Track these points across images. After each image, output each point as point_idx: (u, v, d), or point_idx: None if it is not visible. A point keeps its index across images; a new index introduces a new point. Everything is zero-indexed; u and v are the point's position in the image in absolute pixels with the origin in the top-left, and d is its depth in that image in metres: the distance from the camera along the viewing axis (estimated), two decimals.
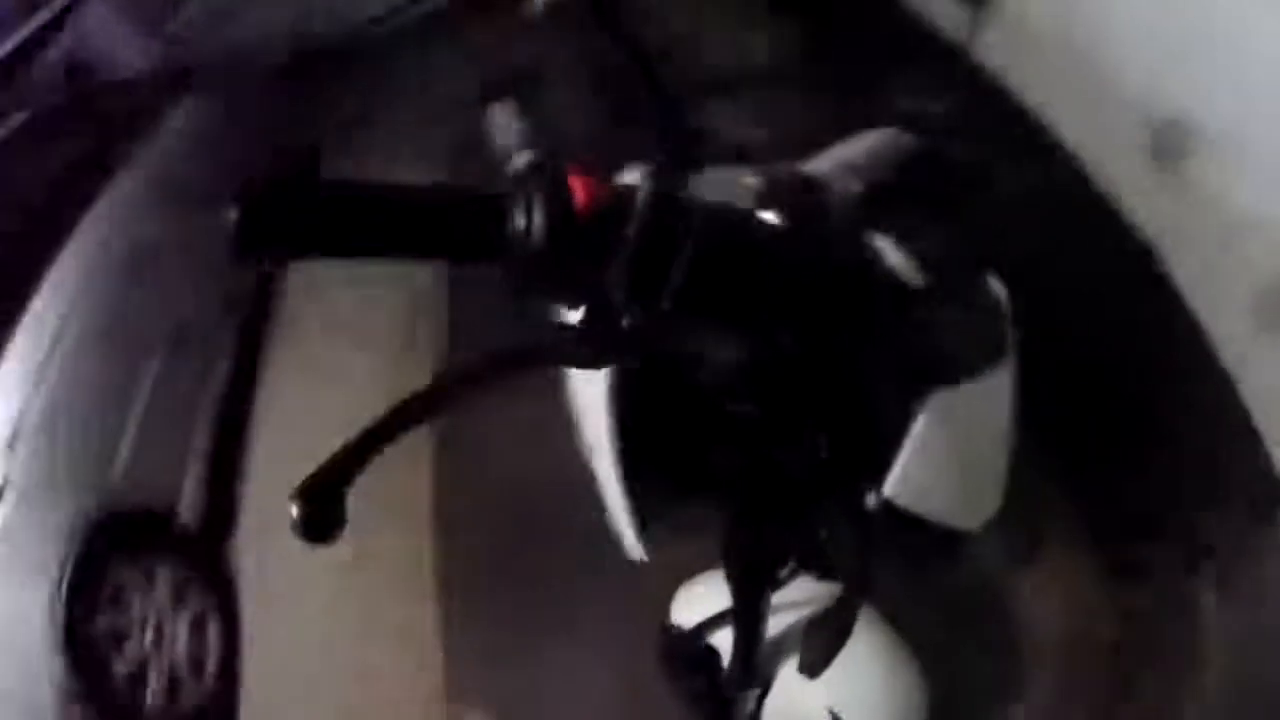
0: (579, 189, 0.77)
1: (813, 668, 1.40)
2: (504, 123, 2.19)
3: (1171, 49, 2.35)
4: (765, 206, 1.01)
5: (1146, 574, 2.25)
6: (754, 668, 1.54)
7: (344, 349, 3.83)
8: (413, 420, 0.80)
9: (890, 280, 1.08)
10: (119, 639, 2.78)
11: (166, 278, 3.65)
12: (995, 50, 3.12)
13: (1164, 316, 2.40)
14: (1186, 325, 2.33)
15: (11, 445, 2.78)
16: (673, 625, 1.76)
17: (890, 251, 1.11)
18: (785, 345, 0.99)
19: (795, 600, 1.51)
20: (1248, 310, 2.16)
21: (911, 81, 3.21)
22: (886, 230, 1.17)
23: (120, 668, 2.74)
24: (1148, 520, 2.31)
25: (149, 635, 2.87)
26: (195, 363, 3.65)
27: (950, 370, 1.13)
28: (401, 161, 4.24)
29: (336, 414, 3.57)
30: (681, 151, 0.86)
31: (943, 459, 1.17)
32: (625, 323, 0.83)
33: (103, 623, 2.75)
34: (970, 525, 1.28)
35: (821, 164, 1.11)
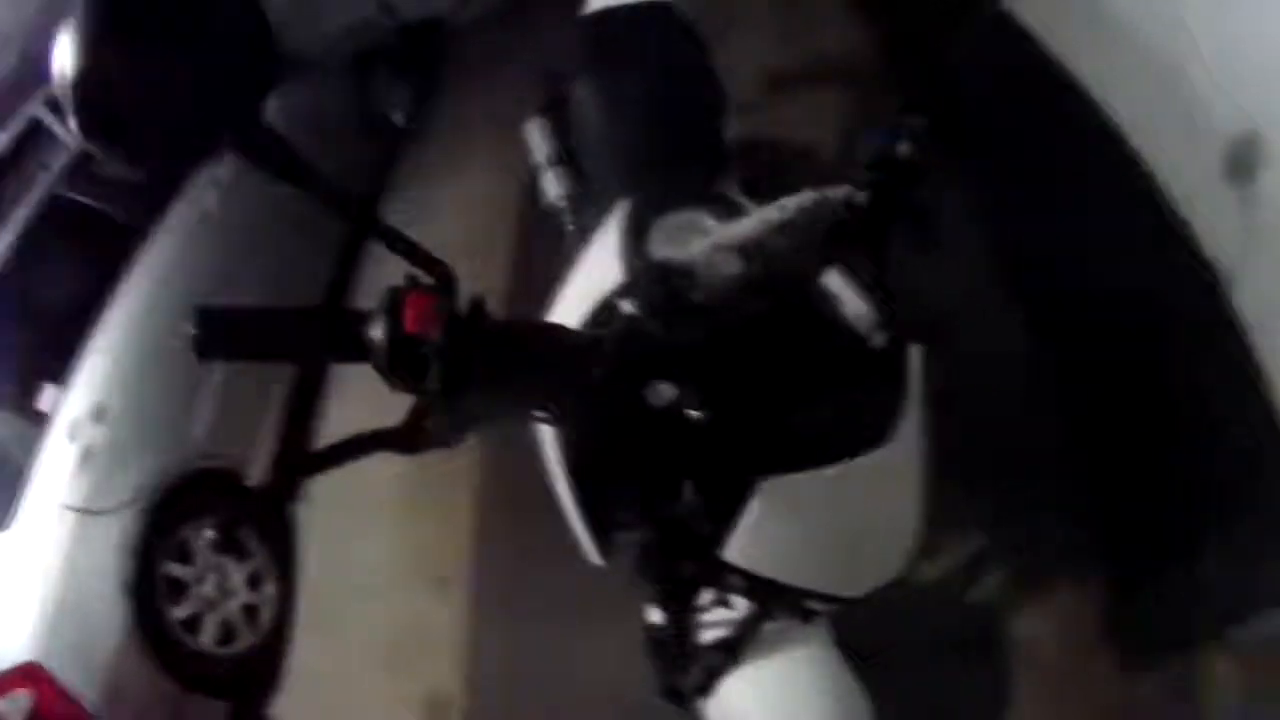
0: (411, 310, 0.99)
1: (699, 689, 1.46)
2: (537, 140, 2.31)
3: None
4: (625, 295, 1.21)
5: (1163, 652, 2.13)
6: (688, 672, 1.60)
7: None
8: None
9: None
10: (181, 588, 3.05)
11: (256, 253, 3.89)
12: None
13: (1225, 359, 2.25)
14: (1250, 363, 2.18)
15: (99, 417, 3.02)
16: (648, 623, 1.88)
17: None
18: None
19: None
20: None
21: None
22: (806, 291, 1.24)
23: (178, 613, 3.00)
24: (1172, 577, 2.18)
25: (208, 586, 3.13)
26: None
27: (793, 460, 1.20)
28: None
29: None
30: None
31: (788, 534, 1.23)
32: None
33: (165, 572, 3.01)
34: (845, 592, 1.35)
35: (740, 229, 1.14)
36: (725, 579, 1.30)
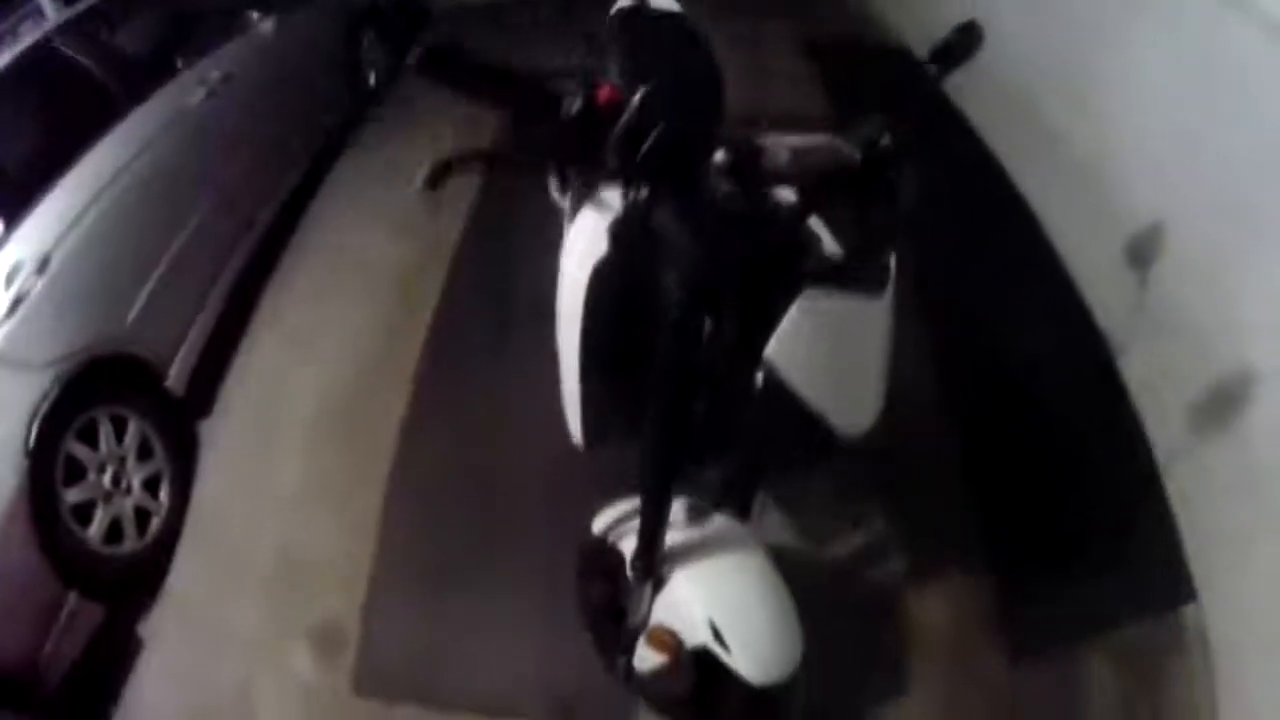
0: (602, 93, 1.34)
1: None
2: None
3: None
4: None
5: (1044, 633, 2.35)
6: (654, 560, 1.78)
7: (347, 272, 4.03)
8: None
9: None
10: (80, 470, 2.81)
11: (225, 150, 3.84)
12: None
13: (1111, 413, 2.61)
14: (1129, 424, 2.52)
15: (41, 269, 2.81)
16: (590, 534, 2.02)
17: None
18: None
19: (690, 527, 1.81)
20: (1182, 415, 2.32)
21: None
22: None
23: (71, 496, 2.76)
24: (1058, 583, 2.40)
25: (107, 477, 2.90)
26: (225, 232, 3.80)
27: (825, 277, 1.43)
28: None
29: (329, 332, 3.71)
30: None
31: (813, 347, 1.45)
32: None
33: (68, 448, 2.78)
34: (843, 425, 1.55)
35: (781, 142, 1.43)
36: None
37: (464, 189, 4.27)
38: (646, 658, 1.94)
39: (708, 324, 1.41)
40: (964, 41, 1.40)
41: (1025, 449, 2.78)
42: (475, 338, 3.57)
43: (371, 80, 5.36)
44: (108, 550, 2.86)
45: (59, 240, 2.92)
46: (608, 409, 1.74)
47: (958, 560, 2.57)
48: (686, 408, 1.53)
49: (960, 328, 3.22)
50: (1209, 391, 2.23)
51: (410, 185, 1.32)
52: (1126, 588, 2.33)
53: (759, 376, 1.45)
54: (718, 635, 1.71)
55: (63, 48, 3.30)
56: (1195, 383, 2.30)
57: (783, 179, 1.42)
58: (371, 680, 2.57)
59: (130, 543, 2.94)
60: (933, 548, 2.60)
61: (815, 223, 1.51)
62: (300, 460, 3.24)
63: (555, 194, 2.55)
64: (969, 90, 3.78)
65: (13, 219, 2.85)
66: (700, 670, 1.86)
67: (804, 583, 1.80)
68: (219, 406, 3.50)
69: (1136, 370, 2.64)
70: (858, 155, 1.37)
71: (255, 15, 4.23)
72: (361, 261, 4.07)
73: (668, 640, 1.81)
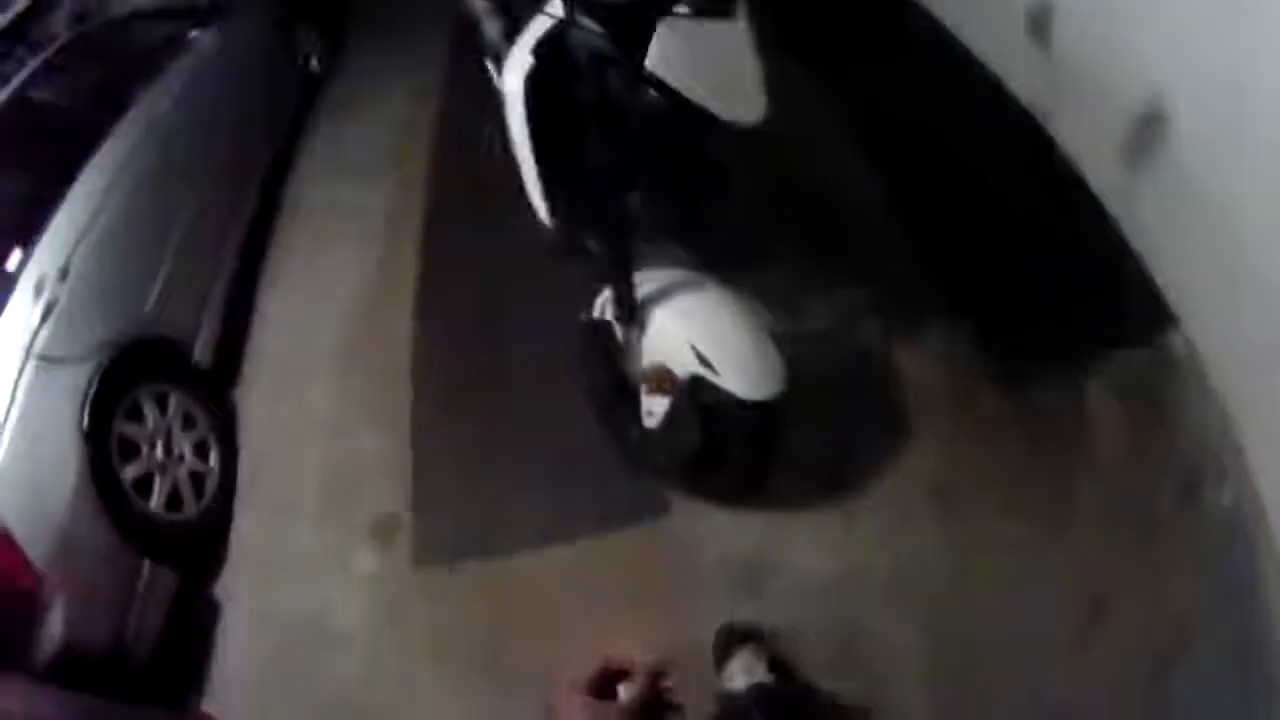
0: None
1: None
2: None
3: None
4: None
5: (1038, 374, 2.43)
6: (630, 298, 2.10)
7: (337, 222, 4.32)
8: None
9: None
10: (133, 448, 3.06)
11: (202, 144, 4.08)
12: None
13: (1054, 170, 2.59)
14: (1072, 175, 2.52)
15: (64, 274, 3.03)
16: (582, 321, 2.37)
17: None
18: None
19: (658, 275, 2.12)
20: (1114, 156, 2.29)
21: None
22: None
23: (130, 472, 3.00)
24: (1042, 325, 2.48)
25: (159, 450, 3.16)
26: (220, 215, 4.06)
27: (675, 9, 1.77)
28: None
29: (333, 274, 3.98)
30: None
31: (680, 55, 1.78)
32: None
33: (119, 428, 3.03)
34: (728, 115, 1.84)
35: None
36: (646, 95, 1.82)
37: (424, 128, 4.71)
38: (653, 410, 2.21)
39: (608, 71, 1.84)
40: None
41: (975, 216, 2.89)
42: (460, 253, 3.87)
43: (314, 64, 5.61)
44: (171, 517, 3.11)
45: (73, 251, 3.13)
46: (559, 182, 2.14)
47: (931, 314, 2.73)
48: (614, 136, 1.91)
49: (896, 126, 3.40)
50: (1129, 125, 2.23)
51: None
52: (1108, 321, 2.38)
53: (649, 90, 1.80)
54: (703, 360, 1.99)
55: (34, 95, 3.62)
56: (1116, 122, 2.28)
57: None
58: (429, 551, 2.83)
59: (190, 507, 3.19)
60: (899, 309, 2.77)
61: None
62: (331, 387, 3.52)
63: (494, 38, 2.91)
64: None
65: (28, 243, 3.06)
66: (701, 412, 2.11)
67: (786, 353, 2.04)
68: (247, 367, 3.77)
69: (1063, 128, 2.61)
70: None
71: (194, 33, 4.43)
72: (348, 211, 4.38)
73: (663, 377, 2.10)
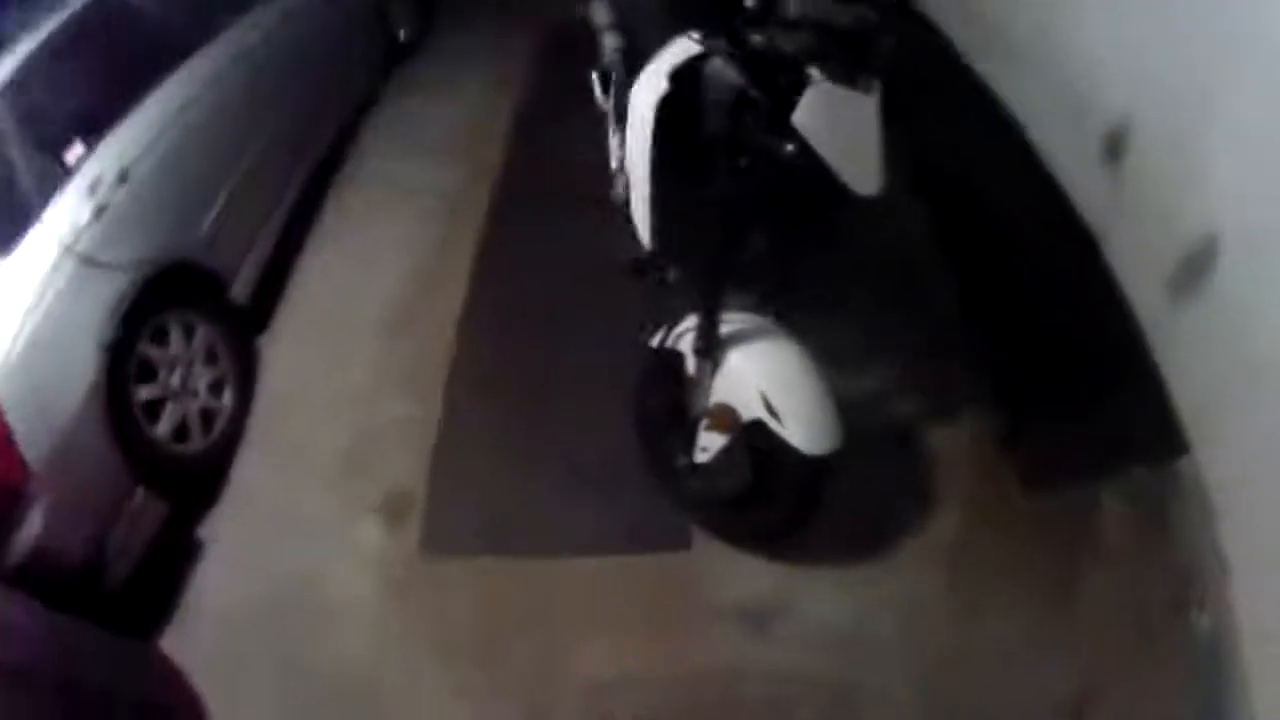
0: None
1: None
2: (600, 13, 2.95)
3: None
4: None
5: (1058, 481, 2.56)
6: (714, 337, 2.16)
7: (398, 196, 4.28)
8: None
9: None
10: (151, 370, 2.95)
11: (281, 86, 4.05)
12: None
13: (1097, 290, 2.71)
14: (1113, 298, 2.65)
15: (122, 179, 2.94)
16: (649, 348, 2.42)
17: None
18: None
19: (739, 320, 2.17)
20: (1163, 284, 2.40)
21: None
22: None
23: (143, 394, 2.89)
24: (1068, 435, 2.63)
25: (176, 378, 3.05)
26: (286, 158, 4.01)
27: (829, 74, 1.82)
28: None
29: (385, 247, 3.92)
30: None
31: (823, 119, 1.83)
32: None
33: (142, 349, 2.92)
34: (853, 185, 1.90)
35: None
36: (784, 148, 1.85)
37: (500, 120, 4.66)
38: (708, 446, 2.29)
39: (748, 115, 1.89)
40: None
41: (1022, 317, 3.01)
42: (522, 247, 3.82)
43: (401, 36, 5.61)
44: (175, 448, 2.99)
45: (137, 157, 3.05)
46: (672, 212, 2.19)
47: (969, 400, 2.82)
48: (738, 174, 1.94)
49: (958, 215, 3.47)
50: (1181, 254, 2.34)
51: None
52: (1126, 441, 2.51)
53: (788, 144, 1.84)
54: (769, 407, 2.05)
55: None
56: (1169, 249, 2.39)
57: (794, 28, 1.86)
58: (438, 539, 2.74)
59: (196, 442, 3.08)
60: (943, 389, 2.86)
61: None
62: (366, 356, 3.42)
63: (599, 98, 3.00)
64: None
65: (91, 140, 2.97)
66: (754, 455, 2.19)
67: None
68: (280, 318, 3.68)
69: (1116, 246, 2.75)
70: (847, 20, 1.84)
71: None
72: (410, 188, 4.30)
73: (726, 417, 2.16)
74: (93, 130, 3.00)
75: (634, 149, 2.22)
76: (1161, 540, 2.31)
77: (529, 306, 3.48)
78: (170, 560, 2.84)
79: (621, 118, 2.98)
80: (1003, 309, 3.05)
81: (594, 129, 2.96)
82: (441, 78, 5.30)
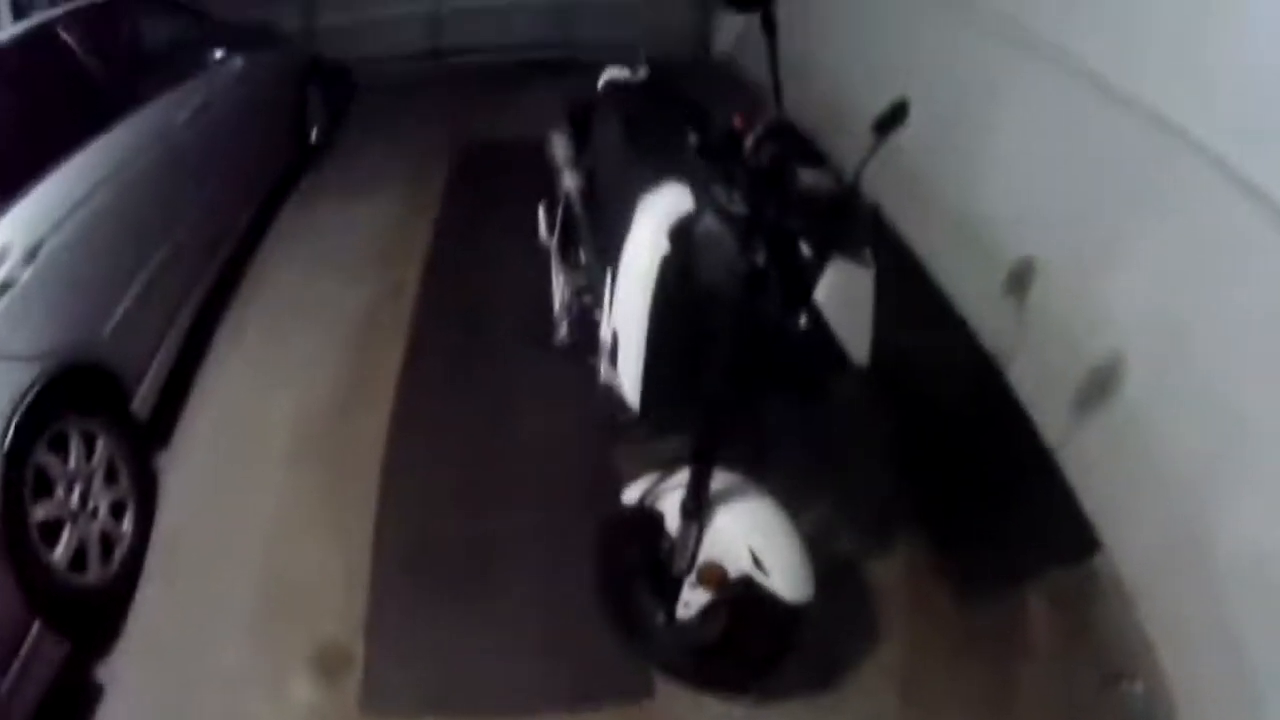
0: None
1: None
2: (560, 149, 2.87)
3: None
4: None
5: (985, 591, 2.69)
6: (704, 501, 2.11)
7: (308, 309, 3.95)
8: None
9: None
10: (48, 485, 2.47)
11: (201, 175, 3.75)
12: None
13: (1004, 410, 3.09)
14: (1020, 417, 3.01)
15: (29, 258, 2.52)
16: (623, 505, 2.33)
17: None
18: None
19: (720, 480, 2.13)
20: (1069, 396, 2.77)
21: None
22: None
23: (39, 513, 2.40)
24: (991, 548, 2.79)
25: (75, 496, 2.55)
26: (196, 257, 3.66)
27: (847, 253, 1.85)
28: None
29: (296, 360, 3.59)
30: None
31: (838, 296, 1.86)
32: None
33: (39, 459, 2.44)
34: (852, 356, 1.95)
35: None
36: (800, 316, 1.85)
37: (417, 239, 4.42)
38: (691, 601, 2.27)
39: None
40: (897, 114, 1.77)
41: (936, 447, 3.17)
42: (451, 360, 3.55)
43: (313, 136, 5.36)
44: (73, 577, 2.49)
45: (50, 232, 2.64)
46: (665, 376, 2.10)
47: (899, 528, 2.91)
48: (744, 353, 1.89)
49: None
50: (1084, 381, 2.74)
51: None
52: (1042, 547, 2.76)
53: (804, 318, 1.84)
54: (757, 562, 2.07)
55: (64, 34, 3.11)
56: (1073, 370, 2.78)
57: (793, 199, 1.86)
58: (382, 698, 2.40)
59: (94, 572, 2.58)
60: (874, 525, 2.92)
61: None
62: (280, 486, 3.01)
63: (543, 234, 3.03)
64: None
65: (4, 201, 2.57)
66: (734, 606, 2.22)
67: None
68: (180, 437, 3.21)
69: (1020, 371, 3.17)
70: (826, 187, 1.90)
71: (219, 53, 4.14)
72: (319, 303, 3.96)
73: (715, 574, 2.17)
74: (3, 192, 2.59)
75: (627, 309, 2.11)
76: (1086, 630, 2.52)
77: (464, 433, 3.19)
78: (69, 706, 2.37)
79: (570, 260, 3.10)
80: (919, 440, 3.20)
81: (521, 260, 2.87)
82: (352, 188, 5.00)
